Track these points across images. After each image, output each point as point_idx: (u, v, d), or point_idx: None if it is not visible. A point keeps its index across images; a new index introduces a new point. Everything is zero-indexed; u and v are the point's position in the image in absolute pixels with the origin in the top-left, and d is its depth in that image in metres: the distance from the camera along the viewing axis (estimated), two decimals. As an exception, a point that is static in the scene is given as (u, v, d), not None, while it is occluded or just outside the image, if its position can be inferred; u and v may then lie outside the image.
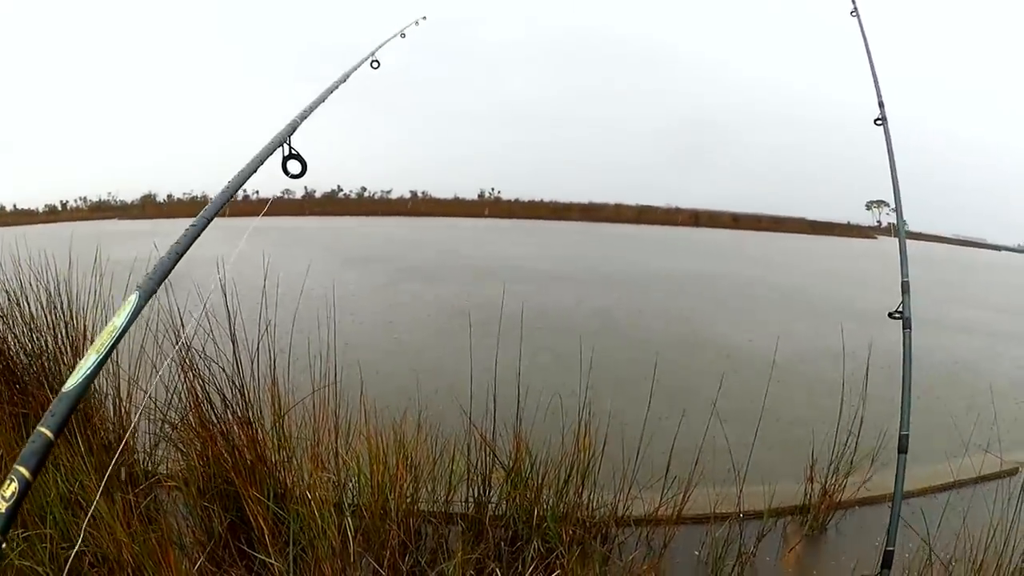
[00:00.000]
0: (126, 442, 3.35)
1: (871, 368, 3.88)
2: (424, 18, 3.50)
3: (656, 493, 3.39)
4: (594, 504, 3.27)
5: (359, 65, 2.82)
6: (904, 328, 2.99)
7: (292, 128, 1.86)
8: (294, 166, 1.86)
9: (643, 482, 3.32)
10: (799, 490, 3.85)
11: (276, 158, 1.79)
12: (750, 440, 3.56)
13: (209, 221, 1.57)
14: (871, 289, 16.45)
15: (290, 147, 1.80)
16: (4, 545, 0.45)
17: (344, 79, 2.59)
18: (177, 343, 3.16)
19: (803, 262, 29.09)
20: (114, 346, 0.77)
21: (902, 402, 2.86)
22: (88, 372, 0.70)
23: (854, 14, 3.50)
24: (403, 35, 3.30)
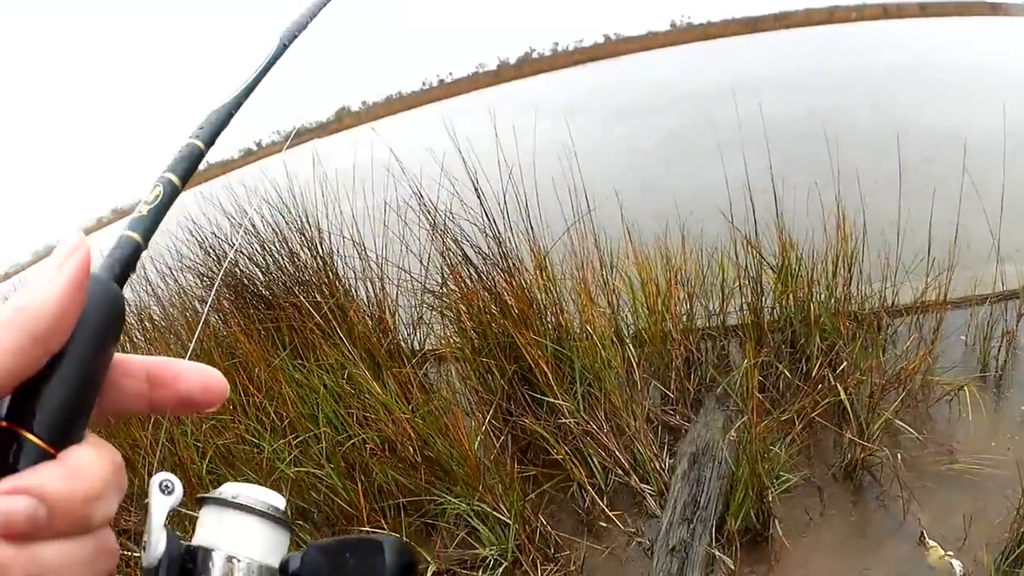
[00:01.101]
0: (389, 323, 3.43)
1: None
2: None
3: (920, 280, 3.30)
4: (864, 294, 3.21)
5: None
6: None
7: None
8: None
9: (907, 267, 3.23)
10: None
11: None
12: (999, 222, 3.43)
13: None
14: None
15: None
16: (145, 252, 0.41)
17: None
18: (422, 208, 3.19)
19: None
20: (266, 72, 0.69)
21: None
22: (241, 90, 0.62)
23: None
24: None
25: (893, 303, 3.26)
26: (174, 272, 4.25)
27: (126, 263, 0.40)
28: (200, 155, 0.57)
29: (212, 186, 4.33)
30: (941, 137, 7.93)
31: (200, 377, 0.39)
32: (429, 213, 3.17)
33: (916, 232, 3.30)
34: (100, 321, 0.35)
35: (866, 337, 3.12)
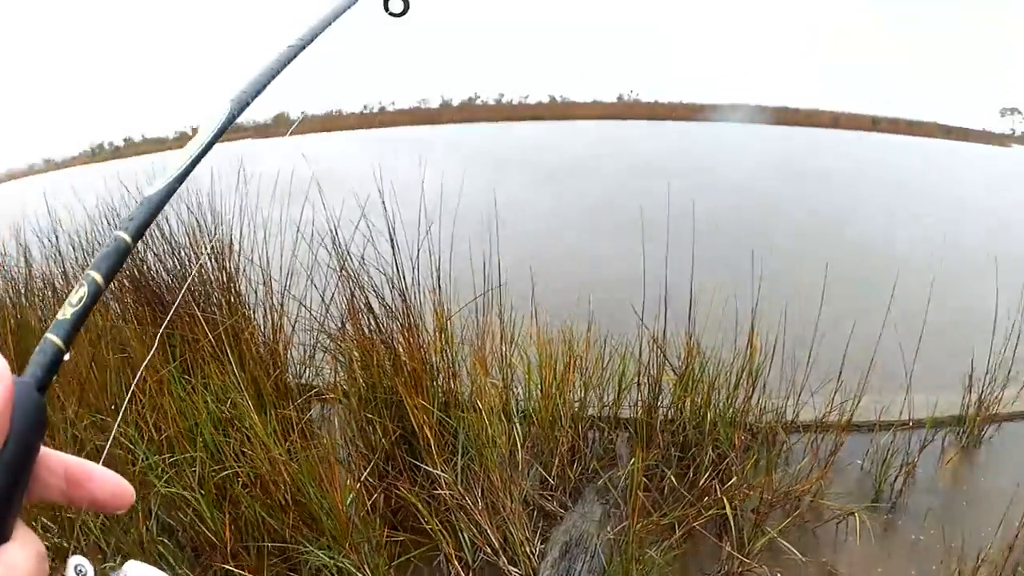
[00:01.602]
0: (280, 355, 3.31)
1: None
2: None
3: (823, 398, 3.27)
4: (764, 408, 3.17)
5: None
6: None
7: None
8: (396, 5, 1.80)
9: (810, 386, 3.20)
10: (958, 401, 3.70)
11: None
12: (917, 346, 3.41)
13: (308, 44, 1.51)
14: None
15: None
16: (68, 357, 0.44)
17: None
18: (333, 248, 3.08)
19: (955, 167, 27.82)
20: (202, 156, 0.72)
21: None
22: (173, 178, 0.64)
23: None
24: None
25: (793, 420, 3.23)
26: (83, 247, 4.08)
27: (48, 369, 0.42)
28: (127, 250, 0.56)
29: (143, 161, 4.19)
30: (872, 254, 8.12)
31: (112, 486, 0.42)
32: (340, 253, 3.05)
33: (830, 349, 3.27)
34: (25, 429, 0.38)
35: (759, 451, 3.08)
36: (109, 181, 3.95)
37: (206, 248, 3.44)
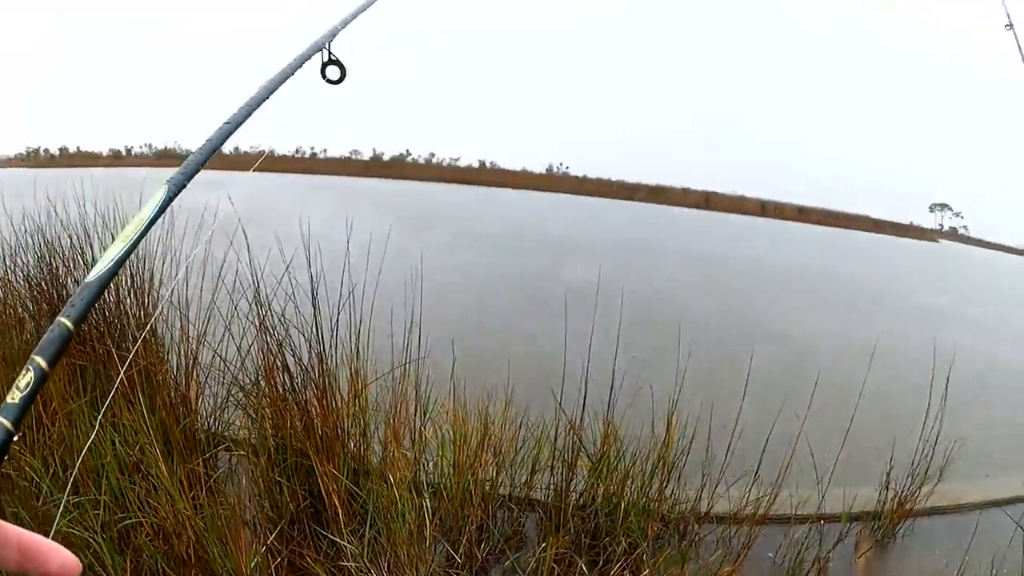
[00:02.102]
0: (192, 403, 3.20)
1: (941, 373, 3.76)
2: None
3: (739, 490, 3.26)
4: (677, 498, 3.15)
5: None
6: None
7: (332, 34, 1.81)
8: (333, 72, 1.79)
9: (727, 479, 3.18)
10: (874, 496, 3.73)
11: (315, 65, 1.73)
12: (832, 440, 3.43)
13: (243, 121, 1.52)
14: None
15: (329, 52, 1.73)
16: (16, 438, 0.49)
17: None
18: (254, 301, 3.00)
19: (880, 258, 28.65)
20: (140, 239, 0.78)
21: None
22: (112, 264, 0.68)
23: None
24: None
25: (708, 512, 3.21)
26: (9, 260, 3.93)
27: None
28: (69, 336, 0.58)
29: (72, 175, 4.09)
30: (795, 348, 8.28)
31: (63, 559, 0.46)
32: (261, 307, 2.96)
33: (749, 441, 3.26)
34: None
35: (672, 542, 3.06)
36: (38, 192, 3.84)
37: (125, 282, 3.33)
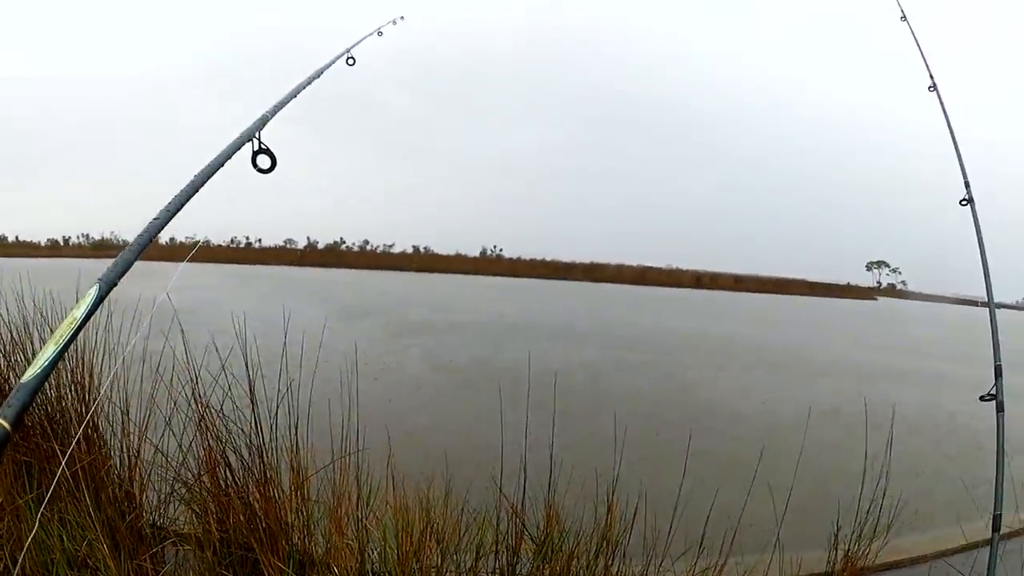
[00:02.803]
0: (136, 498, 3.19)
1: (882, 433, 3.84)
2: (402, 18, 3.39)
3: (685, 563, 3.28)
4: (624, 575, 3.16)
5: (334, 61, 2.72)
6: (998, 411, 2.93)
7: (262, 123, 1.86)
8: (264, 161, 1.82)
9: (671, 553, 3.20)
10: (823, 556, 3.76)
11: (247, 154, 1.76)
12: (776, 506, 3.47)
13: (173, 215, 1.55)
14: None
15: (260, 142, 1.77)
16: None
17: (318, 75, 2.49)
18: (192, 398, 3.02)
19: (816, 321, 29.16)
20: (73, 338, 0.78)
21: (996, 482, 2.80)
22: (46, 364, 0.69)
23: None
24: (380, 33, 3.20)
25: (655, 586, 3.22)
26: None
27: None
28: (7, 436, 0.58)
29: (11, 265, 4.11)
30: (735, 417, 8.41)
31: None
32: (200, 403, 2.97)
33: (694, 511, 3.29)
34: None
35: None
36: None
37: (65, 377, 3.32)
